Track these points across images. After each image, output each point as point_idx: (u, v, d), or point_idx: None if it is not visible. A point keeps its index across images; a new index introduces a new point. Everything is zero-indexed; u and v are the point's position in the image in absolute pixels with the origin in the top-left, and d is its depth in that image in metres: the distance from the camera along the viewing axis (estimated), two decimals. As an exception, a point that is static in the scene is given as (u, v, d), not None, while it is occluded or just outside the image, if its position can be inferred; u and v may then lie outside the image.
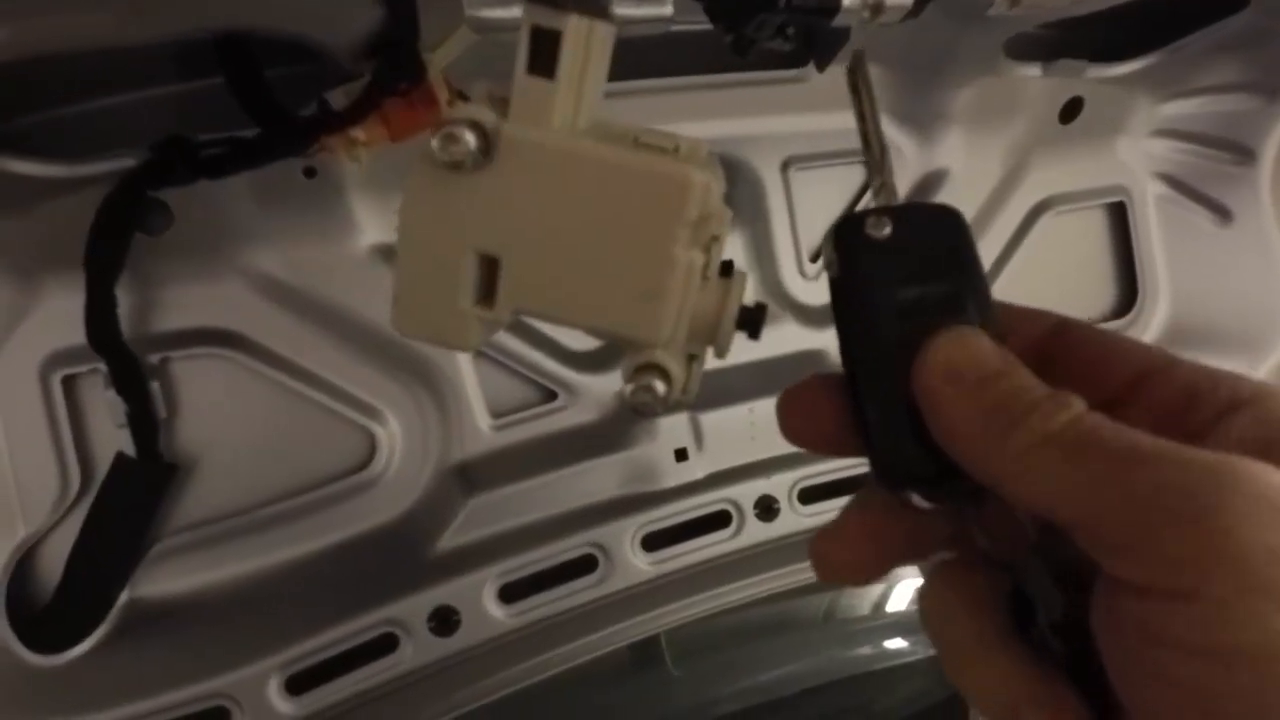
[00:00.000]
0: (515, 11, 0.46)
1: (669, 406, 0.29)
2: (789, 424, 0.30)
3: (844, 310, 0.29)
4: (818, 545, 0.30)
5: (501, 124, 0.27)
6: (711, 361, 0.32)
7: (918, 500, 0.28)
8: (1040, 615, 0.27)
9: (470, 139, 0.26)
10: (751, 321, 0.30)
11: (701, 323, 0.30)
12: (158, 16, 0.43)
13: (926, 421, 0.27)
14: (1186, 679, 0.21)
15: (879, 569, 0.29)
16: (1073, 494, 0.23)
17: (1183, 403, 0.26)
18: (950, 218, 0.30)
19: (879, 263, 0.28)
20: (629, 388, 0.28)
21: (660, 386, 0.28)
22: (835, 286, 0.30)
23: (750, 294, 0.81)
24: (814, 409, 0.30)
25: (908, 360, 0.27)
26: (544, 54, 0.26)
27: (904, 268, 0.28)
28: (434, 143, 0.26)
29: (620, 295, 0.28)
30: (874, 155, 0.32)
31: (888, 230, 0.28)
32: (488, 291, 0.29)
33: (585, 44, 0.27)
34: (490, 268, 0.29)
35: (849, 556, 0.29)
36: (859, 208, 0.81)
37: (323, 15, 0.47)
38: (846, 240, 0.29)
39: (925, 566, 0.30)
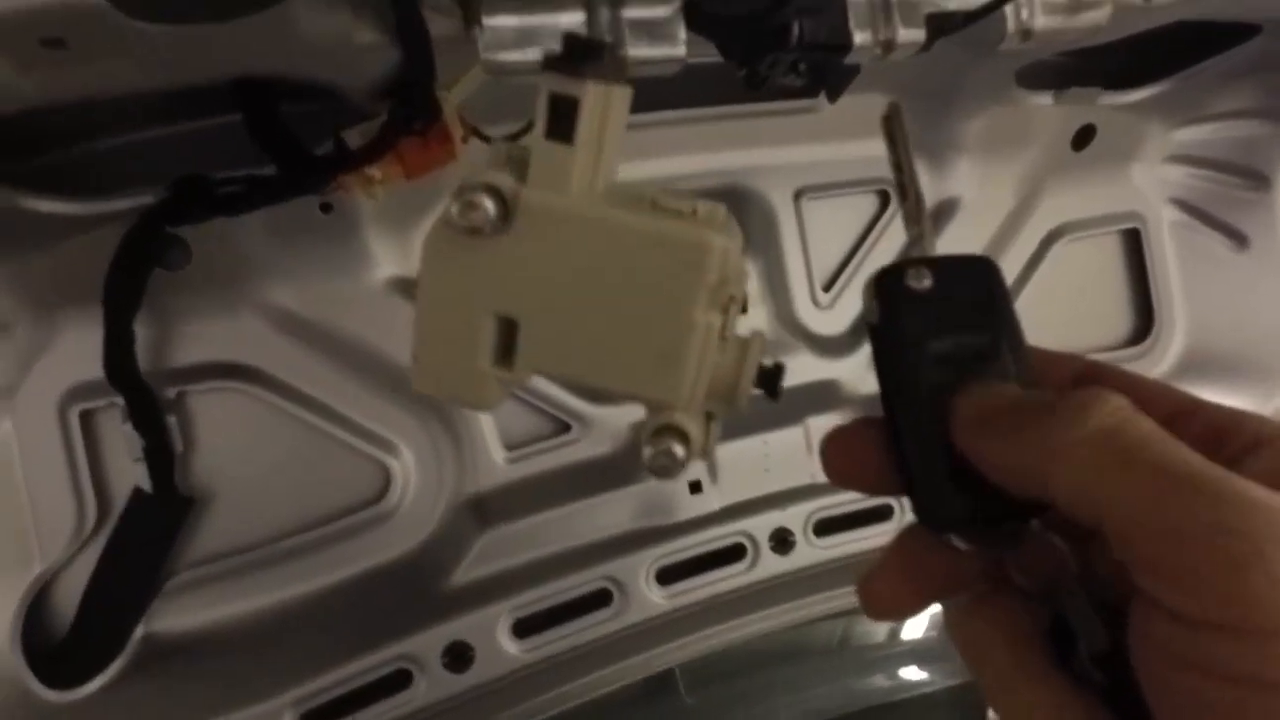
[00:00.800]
0: (530, 55, 0.46)
1: (686, 467, 0.29)
2: (833, 465, 0.31)
3: (885, 358, 0.30)
4: (865, 585, 0.31)
5: (520, 189, 0.27)
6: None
7: (958, 541, 0.29)
8: (1081, 645, 0.27)
9: (489, 205, 0.26)
10: (770, 381, 0.30)
11: (720, 383, 0.30)
12: (182, 64, 0.44)
13: (967, 448, 0.27)
14: (1225, 705, 0.22)
15: (922, 604, 0.30)
16: (1119, 505, 0.24)
17: (1210, 442, 0.27)
18: (987, 269, 0.30)
19: (920, 313, 0.29)
20: (648, 451, 0.28)
21: (679, 450, 0.28)
22: (876, 334, 0.30)
23: (763, 325, 0.81)
24: (857, 451, 0.31)
25: (945, 408, 0.28)
26: (562, 120, 0.26)
27: (944, 319, 0.29)
28: (453, 208, 0.27)
29: (639, 358, 0.28)
30: (911, 205, 0.32)
31: (928, 282, 0.29)
32: (506, 352, 0.29)
33: (603, 109, 0.27)
34: (509, 329, 0.29)
35: (895, 594, 0.30)
36: (897, 257, 0.81)
37: (341, 60, 0.47)
38: (888, 290, 0.30)
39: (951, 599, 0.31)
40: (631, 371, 0.28)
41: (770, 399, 0.31)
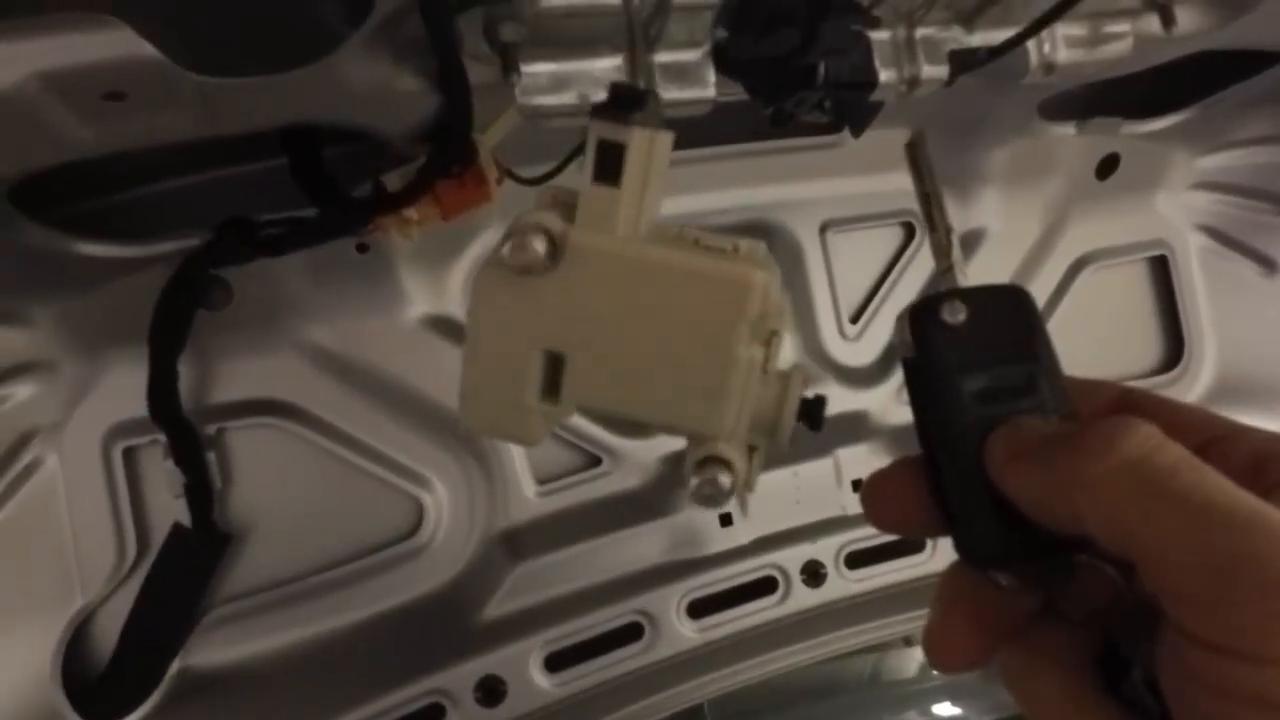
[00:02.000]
0: (565, 99, 0.47)
1: (731, 498, 0.29)
2: (874, 510, 0.31)
3: (921, 393, 0.30)
4: (931, 644, 0.30)
5: (569, 230, 0.28)
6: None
7: (1002, 579, 0.28)
8: (1137, 673, 0.26)
9: (539, 246, 0.27)
10: (812, 413, 0.31)
11: (762, 415, 0.30)
12: (233, 114, 0.46)
13: (1002, 487, 0.27)
14: None
15: (991, 647, 0.29)
16: (1148, 536, 0.24)
17: (1250, 468, 0.27)
18: (1021, 299, 0.30)
19: (955, 348, 0.29)
20: (694, 481, 0.29)
21: (725, 479, 0.29)
22: (911, 369, 0.30)
23: (791, 357, 0.82)
24: (898, 494, 0.30)
25: (984, 442, 0.28)
26: (610, 164, 0.27)
27: (980, 352, 0.29)
28: (505, 248, 0.28)
29: (683, 391, 0.29)
30: (939, 237, 0.32)
31: (963, 316, 0.29)
32: (553, 387, 0.30)
33: (647, 153, 0.28)
34: (555, 365, 0.30)
35: (962, 643, 0.30)
36: (923, 288, 0.82)
37: (384, 106, 0.49)
38: (923, 325, 0.30)
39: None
40: (676, 405, 0.29)
41: (812, 430, 0.31)
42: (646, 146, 0.28)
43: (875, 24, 0.52)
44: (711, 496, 0.29)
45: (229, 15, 0.40)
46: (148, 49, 0.37)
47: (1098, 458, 0.25)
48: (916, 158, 0.34)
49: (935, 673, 1.25)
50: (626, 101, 0.27)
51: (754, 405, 0.30)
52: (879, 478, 0.31)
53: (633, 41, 0.44)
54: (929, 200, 0.33)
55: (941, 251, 0.32)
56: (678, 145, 0.76)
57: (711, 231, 0.29)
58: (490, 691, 0.68)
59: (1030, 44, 0.57)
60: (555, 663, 0.69)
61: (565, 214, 0.29)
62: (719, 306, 0.28)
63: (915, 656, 1.25)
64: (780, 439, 0.31)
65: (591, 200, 0.28)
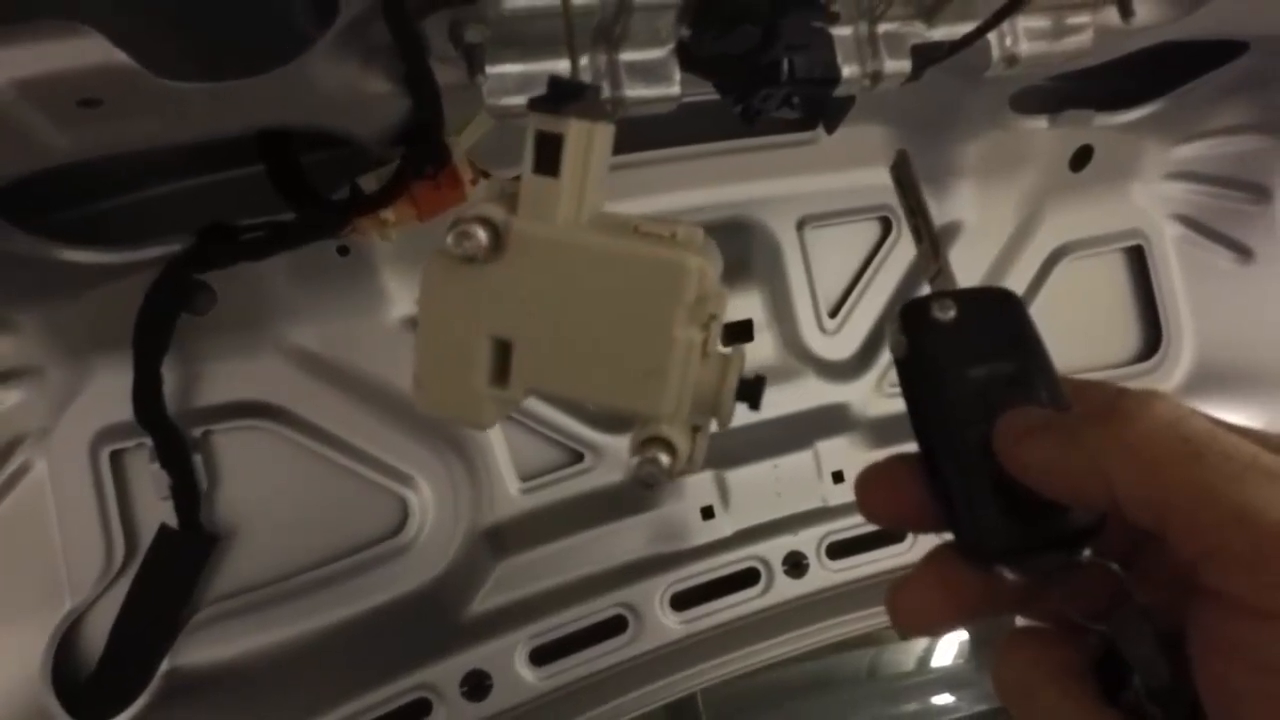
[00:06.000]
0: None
1: (674, 477, 0.30)
2: (868, 504, 0.31)
3: (916, 391, 0.30)
4: (896, 596, 0.29)
5: (511, 220, 0.29)
6: (735, 418, 0.33)
7: (1006, 573, 0.28)
8: (1138, 680, 0.26)
9: (482, 235, 0.28)
10: (751, 393, 0.32)
11: (703, 396, 0.31)
12: (208, 119, 0.47)
13: (1013, 466, 0.27)
14: None
15: (955, 620, 0.29)
16: (1186, 496, 0.23)
17: None
18: (1009, 299, 0.31)
19: (947, 344, 0.29)
20: (634, 460, 0.30)
21: (665, 459, 0.30)
22: (904, 367, 0.30)
23: (770, 351, 0.83)
24: (893, 488, 0.30)
25: (985, 436, 0.27)
26: (548, 155, 0.28)
27: (971, 348, 0.29)
28: (449, 238, 0.29)
29: (626, 373, 0.30)
30: (927, 247, 0.33)
31: (952, 313, 0.29)
32: (502, 372, 0.31)
33: (586, 145, 0.29)
34: (504, 350, 0.31)
35: (927, 607, 0.29)
36: (899, 287, 0.82)
37: (355, 109, 0.50)
38: (914, 323, 0.30)
39: (973, 629, 0.30)
40: (619, 386, 0.30)
41: (752, 409, 0.32)
42: (585, 138, 0.29)
43: (835, 19, 0.53)
44: (651, 475, 0.30)
45: (199, 21, 0.41)
46: (120, 56, 0.38)
47: (1134, 421, 0.24)
48: (902, 177, 0.34)
49: (933, 665, 1.25)
50: (564, 94, 0.28)
51: (695, 386, 0.31)
52: (873, 470, 0.31)
53: (571, 42, 0.45)
54: (915, 215, 0.34)
55: (928, 258, 0.32)
56: (655, 145, 0.77)
57: (654, 219, 0.30)
58: (476, 686, 0.68)
59: (992, 37, 0.58)
60: (540, 656, 0.70)
61: (509, 204, 0.30)
62: (657, 291, 0.29)
63: (913, 650, 1.26)
64: (722, 418, 0.32)
65: (532, 190, 0.29)
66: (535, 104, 0.28)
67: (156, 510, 0.65)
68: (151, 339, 0.62)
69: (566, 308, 0.30)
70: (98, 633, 0.64)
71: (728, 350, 0.32)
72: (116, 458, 0.65)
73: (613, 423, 0.76)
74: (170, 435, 0.64)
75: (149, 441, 0.64)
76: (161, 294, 0.61)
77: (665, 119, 0.55)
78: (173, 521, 0.65)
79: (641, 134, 0.69)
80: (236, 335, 0.67)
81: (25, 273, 0.57)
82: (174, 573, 0.66)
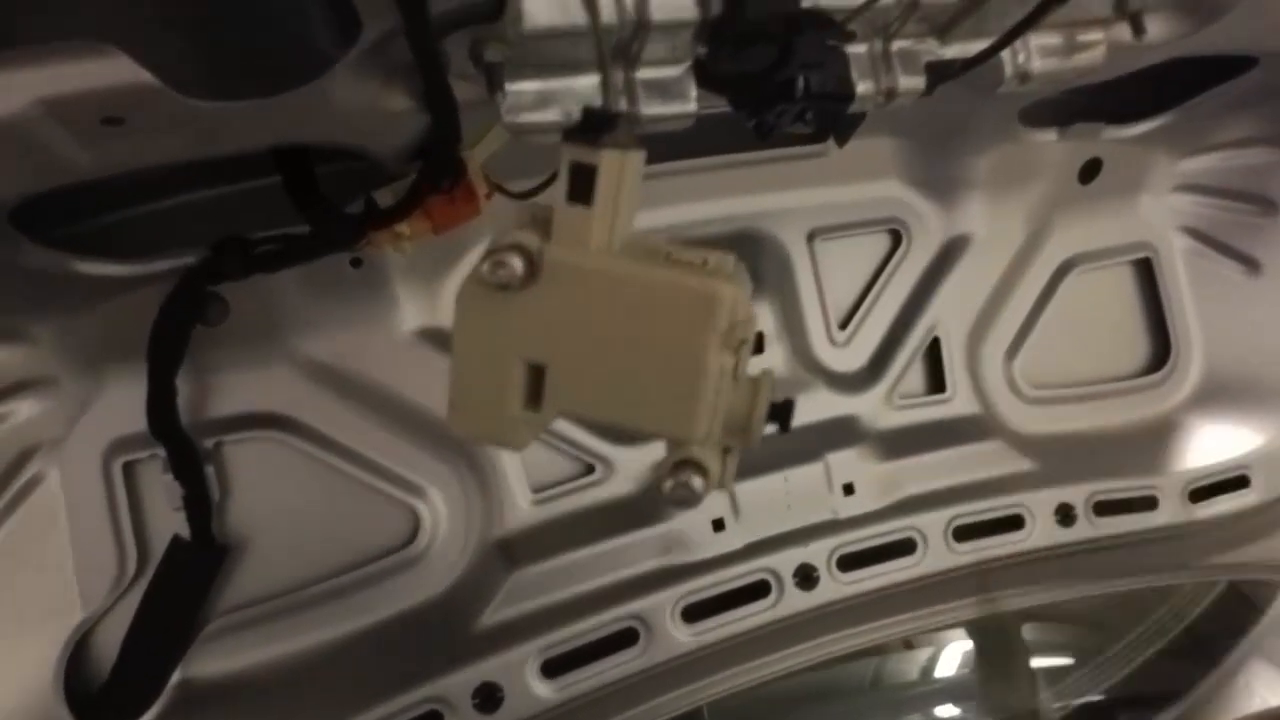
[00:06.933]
0: (548, 116, 0.48)
1: (703, 499, 0.30)
2: None
3: None
4: None
5: (545, 248, 0.29)
6: None
7: None
8: None
9: (517, 263, 0.29)
10: (781, 415, 0.32)
11: (734, 419, 0.31)
12: (228, 136, 0.47)
13: None
14: None
15: None
16: None
17: None
18: None
19: None
20: (668, 483, 0.30)
21: (698, 482, 0.30)
22: None
23: (780, 363, 0.83)
24: None
25: None
26: (582, 185, 0.28)
27: None
28: (484, 267, 0.29)
29: (658, 398, 0.30)
30: None
31: None
32: (535, 396, 0.31)
33: (619, 173, 0.29)
34: (537, 375, 0.31)
35: None
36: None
37: (374, 126, 0.50)
38: None
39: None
40: (651, 411, 0.30)
41: (782, 432, 0.32)
42: (617, 167, 0.29)
43: (850, 38, 0.53)
44: (685, 499, 0.30)
45: (223, 41, 0.41)
46: (145, 75, 0.38)
47: None
48: None
49: (937, 676, 1.25)
50: (597, 124, 0.28)
51: (727, 409, 0.31)
52: None
53: (604, 61, 0.45)
54: None
55: None
56: (667, 157, 0.78)
57: (684, 245, 0.31)
58: (488, 699, 0.68)
59: (1005, 54, 0.58)
60: (552, 669, 0.70)
61: (542, 231, 0.30)
62: (690, 319, 0.29)
63: (916, 660, 1.26)
64: (752, 440, 0.32)
65: (566, 219, 0.29)
66: (570, 135, 0.28)
67: (169, 521, 0.65)
68: (167, 351, 0.62)
69: (600, 333, 0.30)
70: (110, 643, 0.64)
71: (757, 373, 0.32)
72: (129, 468, 0.65)
73: (624, 435, 0.76)
74: (183, 446, 0.64)
75: (161, 452, 0.64)
76: (177, 306, 0.61)
77: (675, 132, 0.55)
78: (185, 532, 0.65)
79: (652, 147, 0.69)
80: (249, 347, 0.67)
81: (40, 284, 0.57)
82: (186, 584, 0.66)
